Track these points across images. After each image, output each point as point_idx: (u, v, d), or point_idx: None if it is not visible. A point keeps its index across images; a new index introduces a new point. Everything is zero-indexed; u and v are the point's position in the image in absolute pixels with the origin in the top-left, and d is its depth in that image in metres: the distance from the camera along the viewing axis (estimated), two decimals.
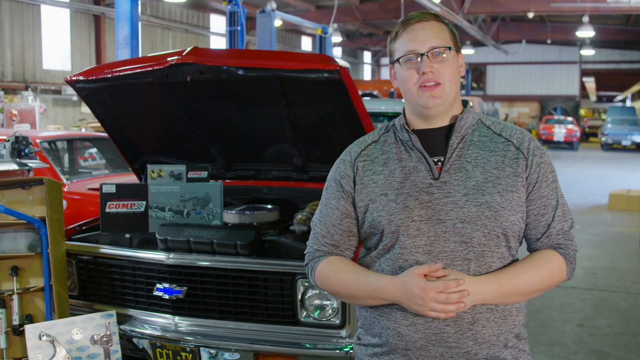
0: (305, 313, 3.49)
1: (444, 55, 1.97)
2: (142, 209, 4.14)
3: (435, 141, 2.01)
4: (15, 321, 3.71)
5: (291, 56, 4.08)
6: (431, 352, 1.92)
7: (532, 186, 1.96)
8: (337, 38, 27.79)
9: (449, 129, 2.01)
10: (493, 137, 2.01)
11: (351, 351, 3.38)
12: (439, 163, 1.97)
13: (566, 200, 2.05)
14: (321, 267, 2.08)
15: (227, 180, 4.79)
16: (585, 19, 22.70)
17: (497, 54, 36.43)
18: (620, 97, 52.65)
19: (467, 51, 35.67)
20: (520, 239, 2.03)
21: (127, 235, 4.17)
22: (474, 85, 40.79)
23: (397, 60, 2.01)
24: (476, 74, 41.20)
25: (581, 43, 34.77)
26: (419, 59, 1.96)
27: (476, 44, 33.87)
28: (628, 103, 49.70)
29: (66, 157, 7.84)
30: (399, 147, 2.04)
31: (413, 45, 1.96)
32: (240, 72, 3.72)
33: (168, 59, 3.79)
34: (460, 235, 1.90)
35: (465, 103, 2.10)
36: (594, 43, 34.49)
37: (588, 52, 34.83)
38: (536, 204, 1.97)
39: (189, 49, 3.75)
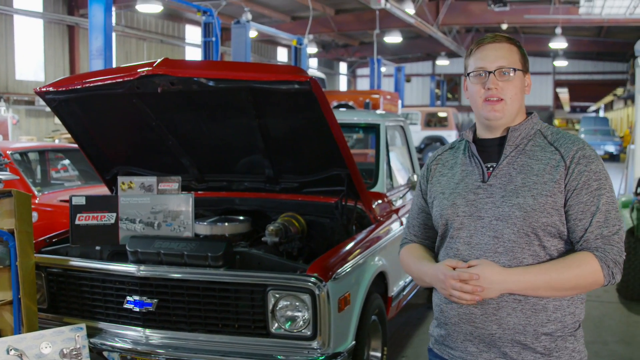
0: (276, 325, 3.49)
1: (510, 74, 2.20)
2: (113, 221, 4.11)
3: (493, 149, 2.27)
4: None
5: (262, 67, 4.09)
6: (462, 329, 2.21)
7: (570, 192, 2.13)
8: (312, 49, 27.85)
9: (506, 138, 2.25)
10: (546, 146, 2.22)
11: None
12: (491, 168, 2.23)
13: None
14: (401, 253, 2.51)
15: (199, 192, 4.78)
16: (558, 30, 22.97)
17: None
18: (593, 107, 53.30)
19: (442, 62, 35.94)
20: (563, 240, 2.17)
21: (97, 248, 4.13)
22: (449, 95, 41.10)
23: (468, 74, 2.26)
24: (451, 84, 41.50)
25: (554, 54, 35.19)
26: (486, 76, 2.20)
27: (451, 55, 34.12)
28: (601, 113, 50.32)
29: (38, 169, 7.76)
30: (465, 154, 2.34)
31: (483, 63, 2.22)
32: (211, 83, 3.71)
33: (139, 70, 3.77)
34: (494, 231, 2.15)
35: (529, 114, 2.31)
36: (567, 54, 34.91)
37: (561, 63, 35.24)
38: (574, 209, 2.12)
39: (159, 60, 3.74)
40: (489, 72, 2.19)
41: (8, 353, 3.30)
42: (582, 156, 2.15)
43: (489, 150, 2.27)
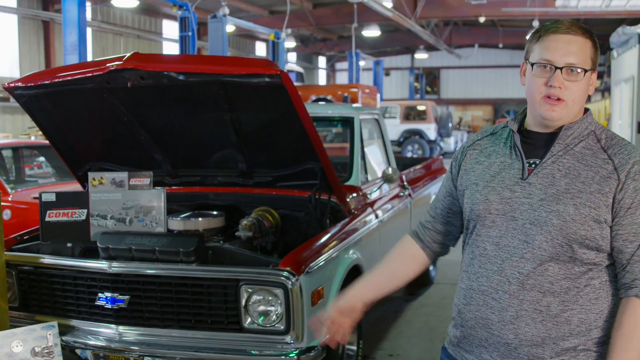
0: (249, 319, 3.47)
1: (579, 74, 1.96)
2: (84, 217, 4.07)
3: (539, 143, 2.04)
4: None
5: (233, 61, 4.05)
6: (478, 334, 2.06)
7: (624, 210, 1.92)
8: (290, 43, 27.79)
9: (557, 134, 2.03)
10: (598, 152, 1.99)
11: (295, 357, 3.38)
12: (533, 165, 2.02)
13: None
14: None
15: (172, 187, 4.74)
16: (535, 23, 23.05)
17: (450, 58, 36.82)
18: None
19: (421, 55, 36.02)
20: (601, 252, 1.97)
21: (69, 245, 4.09)
22: (428, 89, 41.20)
23: (532, 63, 2.01)
24: (430, 78, 41.60)
25: None
26: (552, 71, 1.96)
27: (429, 48, 34.20)
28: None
29: (12, 166, 7.69)
30: (507, 143, 2.12)
31: (551, 55, 1.96)
32: (182, 77, 3.68)
33: (108, 64, 3.73)
34: (526, 235, 1.97)
35: (586, 111, 2.07)
36: None
37: None
38: (626, 229, 1.93)
39: (129, 54, 3.70)
40: (556, 68, 1.95)
41: None
42: (638, 171, 1.93)
43: (534, 144, 2.05)
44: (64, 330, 3.65)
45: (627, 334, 1.90)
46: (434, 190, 7.00)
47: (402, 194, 5.79)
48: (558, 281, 1.95)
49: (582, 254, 1.94)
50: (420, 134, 25.81)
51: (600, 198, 1.92)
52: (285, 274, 3.39)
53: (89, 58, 12.17)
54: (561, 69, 1.94)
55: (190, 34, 14.52)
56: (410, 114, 26.48)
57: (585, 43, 1.97)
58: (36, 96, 4.20)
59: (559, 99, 1.96)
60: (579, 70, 1.95)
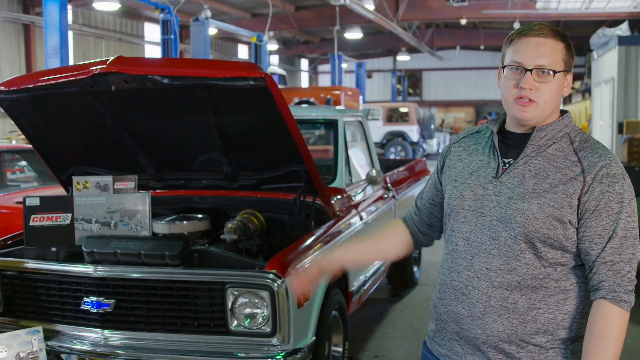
0: (235, 322, 3.48)
1: (549, 76, 2.00)
2: (68, 222, 4.05)
3: (515, 144, 2.10)
4: None
5: (217, 64, 4.06)
6: (450, 327, 2.12)
7: (589, 212, 1.96)
8: (273, 46, 27.78)
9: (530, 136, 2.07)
10: (569, 154, 2.03)
11: (282, 359, 3.39)
12: (507, 165, 2.08)
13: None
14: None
15: (156, 191, 4.74)
16: (516, 25, 23.17)
17: (432, 60, 36.96)
18: None
19: (403, 57, 36.12)
20: (567, 252, 2.00)
21: (53, 249, 4.07)
22: (410, 91, 41.32)
23: (504, 66, 2.07)
24: (412, 80, 41.72)
25: None
26: (522, 73, 2.00)
27: (411, 50, 34.28)
28: (560, 106, 50.90)
29: None
30: (487, 142, 2.18)
31: (521, 57, 2.01)
32: (166, 80, 3.67)
33: (92, 68, 3.72)
34: (492, 231, 2.03)
35: (563, 113, 2.11)
36: None
37: None
38: (591, 231, 1.96)
39: (112, 58, 3.69)
40: (527, 70, 1.99)
41: None
42: (606, 174, 1.96)
43: (511, 145, 2.10)
44: (49, 335, 3.63)
45: (597, 337, 1.93)
46: (417, 191, 7.04)
47: (386, 195, 5.82)
48: (525, 280, 2.00)
49: (547, 252, 1.98)
50: (403, 135, 25.89)
51: (564, 199, 1.96)
52: (271, 276, 3.40)
53: (71, 61, 12.10)
54: (531, 70, 1.98)
55: (172, 37, 14.49)
56: (393, 116, 26.55)
57: (556, 45, 2.01)
58: (19, 100, 4.17)
59: (530, 100, 2.00)
60: (550, 72, 1.99)
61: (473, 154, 2.19)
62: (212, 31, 17.99)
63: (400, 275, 6.85)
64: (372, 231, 2.50)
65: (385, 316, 6.18)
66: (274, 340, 3.44)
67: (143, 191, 4.22)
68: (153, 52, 26.10)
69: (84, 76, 3.75)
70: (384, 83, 40.51)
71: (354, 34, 25.51)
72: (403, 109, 26.74)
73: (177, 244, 3.66)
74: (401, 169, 7.03)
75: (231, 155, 4.35)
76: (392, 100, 35.80)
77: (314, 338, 3.69)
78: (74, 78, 3.81)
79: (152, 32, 26.09)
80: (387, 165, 7.29)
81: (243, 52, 33.45)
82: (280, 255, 3.62)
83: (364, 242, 2.53)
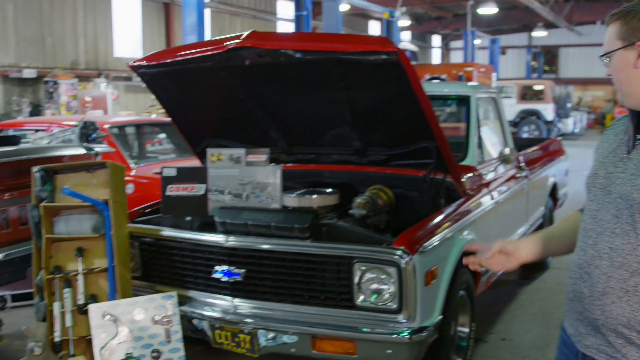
0: (362, 297, 3.47)
1: (608, 61, 1.99)
2: (202, 192, 4.18)
3: None
4: (80, 300, 3.81)
5: (349, 38, 4.04)
6: (575, 306, 2.04)
7: None
8: (405, 22, 27.52)
9: None
10: None
11: (407, 336, 3.36)
12: (638, 141, 1.97)
13: None
14: None
15: (287, 164, 4.80)
16: None
17: (570, 36, 35.52)
18: None
19: (539, 33, 34.86)
20: None
21: (188, 218, 4.21)
22: (546, 68, 39.85)
23: None
24: (548, 56, 40.22)
25: None
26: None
27: (549, 25, 33.04)
28: None
29: (135, 143, 7.98)
30: (632, 120, 2.07)
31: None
32: (298, 55, 3.70)
33: (226, 42, 3.80)
34: (616, 209, 1.94)
35: None
36: None
37: None
38: None
39: (247, 33, 3.75)
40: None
41: (103, 318, 3.42)
42: None
43: None
44: (181, 301, 3.76)
45: None
46: (551, 172, 6.78)
47: (518, 175, 5.64)
48: None
49: None
50: (537, 114, 24.99)
51: None
52: (399, 252, 3.37)
53: (207, 38, 12.46)
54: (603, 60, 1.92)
55: (305, 13, 14.62)
56: (527, 94, 25.68)
57: (612, 29, 1.94)
58: (158, 74, 4.34)
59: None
60: (605, 59, 1.94)
61: (618, 134, 2.08)
62: (344, 7, 18.02)
63: None
64: (554, 226, 2.36)
65: (514, 299, 6.02)
66: (400, 317, 3.41)
67: (274, 164, 4.29)
68: (286, 28, 26.49)
69: (219, 51, 3.84)
70: (519, 60, 39.29)
71: (488, 9, 24.85)
72: (538, 87, 25.80)
73: (306, 217, 3.70)
74: (535, 148, 6.79)
75: (361, 130, 4.34)
76: (526, 77, 34.68)
77: (440, 317, 3.64)
78: (210, 53, 3.92)
79: (286, 9, 26.46)
80: (520, 144, 7.05)
81: (374, 29, 33.34)
82: (409, 232, 3.58)
83: (547, 236, 2.34)
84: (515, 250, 2.28)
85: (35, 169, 3.90)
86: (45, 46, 18.94)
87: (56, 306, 3.81)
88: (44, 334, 3.31)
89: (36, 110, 17.66)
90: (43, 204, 3.85)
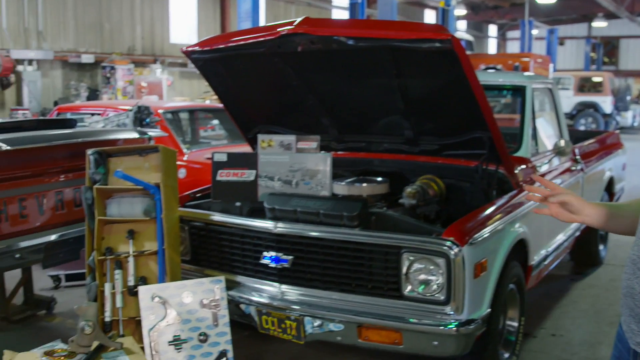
0: (409, 287, 3.45)
1: None
2: (252, 178, 4.20)
3: None
4: (130, 282, 3.87)
5: (402, 26, 3.99)
6: (627, 303, 1.97)
7: None
8: (461, 11, 27.20)
9: None
10: None
11: (454, 328, 3.32)
12: None
13: None
14: None
15: (337, 152, 4.78)
16: None
17: (631, 27, 34.62)
18: None
19: (599, 24, 34.10)
20: None
21: (238, 204, 4.24)
22: (606, 59, 38.92)
23: None
24: (608, 47, 39.28)
25: None
26: None
27: (609, 16, 32.27)
28: None
29: (188, 128, 8.07)
30: None
31: None
32: (351, 42, 3.67)
33: (279, 29, 3.79)
34: None
35: None
36: None
37: None
38: None
39: (300, 19, 3.74)
40: None
41: (152, 300, 3.47)
42: None
43: None
44: (229, 286, 3.79)
45: None
46: (608, 166, 6.62)
47: (574, 168, 5.52)
48: None
49: None
50: (594, 106, 24.43)
51: None
52: (448, 243, 3.33)
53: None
54: None
55: (360, 1, 14.55)
56: (585, 86, 25.12)
57: None
58: (211, 60, 4.36)
59: None
60: None
61: None
62: None
63: (584, 253, 6.50)
64: (620, 202, 2.22)
65: (565, 294, 5.90)
66: (448, 309, 3.38)
67: (325, 152, 4.27)
68: (341, 16, 26.40)
69: (272, 37, 3.84)
70: (577, 51, 38.48)
71: None
72: (596, 79, 25.22)
73: (355, 206, 3.68)
74: (592, 141, 6.63)
75: (413, 119, 4.29)
76: (585, 69, 33.93)
77: (488, 310, 3.58)
78: (262, 39, 3.92)
79: None
80: (576, 137, 6.89)
81: (430, 18, 33.02)
82: (459, 223, 3.54)
83: (614, 211, 2.21)
84: (580, 210, 2.16)
85: (89, 151, 3.96)
86: (103, 32, 19.27)
87: (107, 287, 3.88)
88: (95, 314, 3.37)
89: (93, 95, 18.00)
90: (96, 186, 3.91)
